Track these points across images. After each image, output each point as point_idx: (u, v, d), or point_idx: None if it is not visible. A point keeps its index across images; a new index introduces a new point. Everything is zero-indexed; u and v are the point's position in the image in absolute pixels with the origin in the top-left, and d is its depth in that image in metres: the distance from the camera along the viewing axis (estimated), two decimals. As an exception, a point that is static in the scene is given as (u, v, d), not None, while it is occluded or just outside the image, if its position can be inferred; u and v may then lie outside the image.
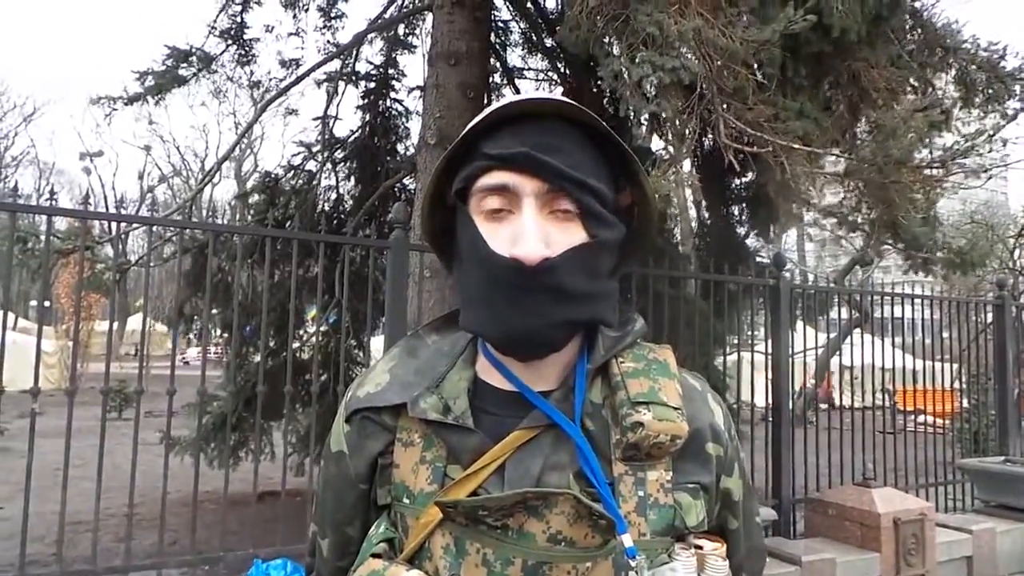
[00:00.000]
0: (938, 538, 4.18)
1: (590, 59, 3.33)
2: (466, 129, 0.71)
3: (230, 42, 6.49)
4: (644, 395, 0.70)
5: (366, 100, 6.99)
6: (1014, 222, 18.39)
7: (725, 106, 2.99)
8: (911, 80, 3.90)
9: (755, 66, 2.96)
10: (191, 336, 7.67)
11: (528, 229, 0.67)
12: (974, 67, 4.07)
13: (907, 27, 4.10)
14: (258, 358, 4.12)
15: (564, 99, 0.71)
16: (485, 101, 5.27)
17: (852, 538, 3.99)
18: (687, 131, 3.02)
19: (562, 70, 6.48)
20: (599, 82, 4.38)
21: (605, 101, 5.20)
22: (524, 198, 0.68)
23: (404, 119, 7.08)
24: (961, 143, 3.45)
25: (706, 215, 6.58)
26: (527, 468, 0.68)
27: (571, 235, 0.69)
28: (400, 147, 7.07)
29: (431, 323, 0.85)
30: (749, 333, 5.77)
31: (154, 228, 5.29)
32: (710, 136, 3.22)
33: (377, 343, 6.82)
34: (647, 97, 2.76)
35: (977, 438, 6.71)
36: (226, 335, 6.45)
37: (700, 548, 0.69)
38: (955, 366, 6.26)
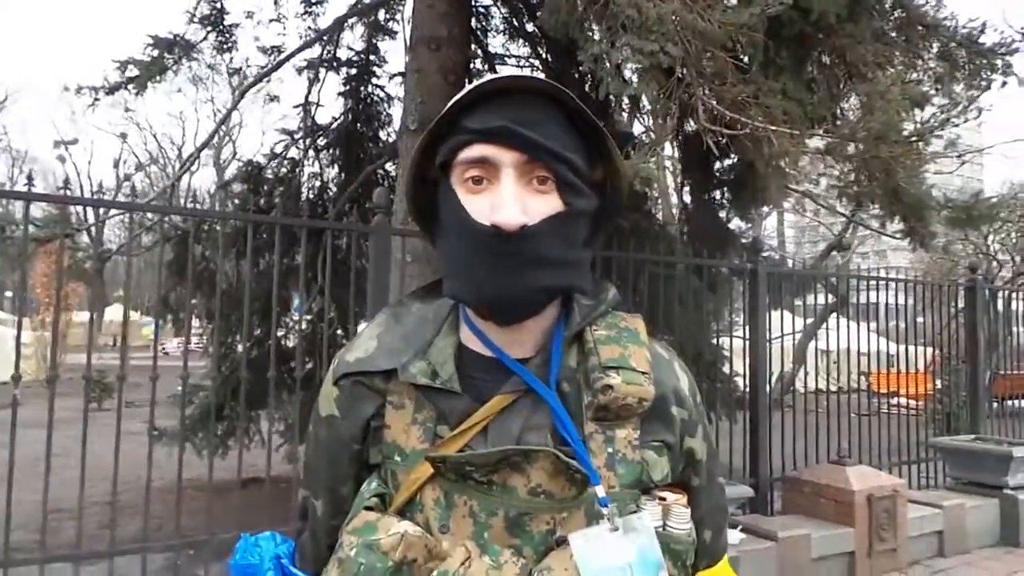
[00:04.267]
0: (910, 514, 4.29)
1: (571, 44, 3.34)
2: (448, 105, 0.74)
3: (210, 29, 6.41)
4: (614, 360, 0.75)
5: (348, 87, 6.96)
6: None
7: (707, 89, 3.01)
8: (897, 54, 3.93)
9: (735, 48, 2.99)
10: (171, 325, 7.62)
11: (506, 197, 0.71)
12: (954, 44, 4.11)
13: (887, 6, 4.13)
14: (242, 347, 4.13)
15: (542, 78, 0.74)
16: (466, 86, 5.24)
17: (827, 514, 4.09)
18: (667, 114, 3.05)
19: (543, 55, 6.48)
20: (580, 67, 4.40)
21: (587, 86, 5.21)
22: (503, 168, 0.72)
23: (386, 105, 7.07)
24: (938, 115, 3.50)
25: (689, 199, 6.63)
26: (508, 429, 0.73)
27: (548, 204, 0.73)
28: (383, 133, 7.07)
29: (415, 292, 0.89)
30: (728, 318, 5.85)
31: (134, 216, 5.22)
32: (691, 119, 3.24)
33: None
34: (627, 80, 2.79)
35: (950, 419, 6.88)
36: (210, 324, 6.43)
37: (664, 500, 0.74)
38: (930, 350, 6.39)
